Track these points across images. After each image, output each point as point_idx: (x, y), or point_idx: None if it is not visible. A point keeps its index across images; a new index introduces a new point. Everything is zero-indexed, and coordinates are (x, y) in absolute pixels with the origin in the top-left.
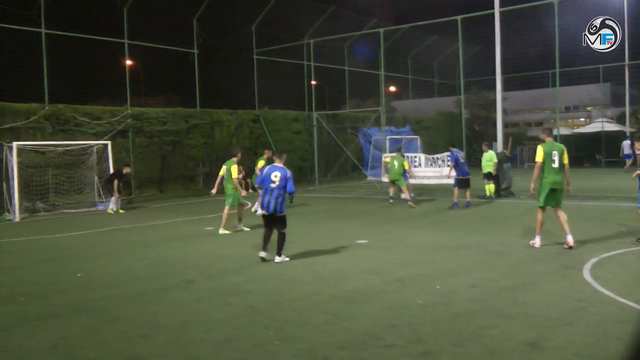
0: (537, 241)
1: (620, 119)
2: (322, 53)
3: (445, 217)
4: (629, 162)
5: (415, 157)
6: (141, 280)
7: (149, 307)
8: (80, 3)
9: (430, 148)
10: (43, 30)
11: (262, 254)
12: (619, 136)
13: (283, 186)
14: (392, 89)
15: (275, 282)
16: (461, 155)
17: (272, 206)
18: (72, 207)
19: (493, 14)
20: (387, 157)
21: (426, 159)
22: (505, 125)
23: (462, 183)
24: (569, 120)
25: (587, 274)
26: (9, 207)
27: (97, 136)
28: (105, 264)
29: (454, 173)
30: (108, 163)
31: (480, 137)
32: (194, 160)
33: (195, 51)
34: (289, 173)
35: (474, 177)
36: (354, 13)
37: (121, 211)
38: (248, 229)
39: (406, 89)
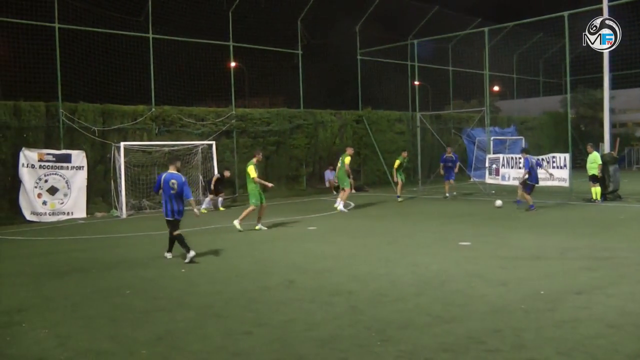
0: None
1: None
2: (426, 53)
3: (549, 220)
4: None
5: (520, 158)
6: (244, 278)
7: (252, 305)
8: (186, 8)
9: (536, 149)
10: (150, 35)
11: (168, 255)
12: None
13: (181, 192)
14: (496, 88)
15: (377, 283)
16: (533, 161)
17: (175, 211)
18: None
19: (601, 9)
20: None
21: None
22: (613, 125)
23: (532, 188)
24: None
25: None
26: (117, 204)
27: (202, 137)
28: (209, 261)
29: (524, 176)
30: (213, 163)
31: (587, 137)
32: (298, 160)
33: (300, 52)
34: (183, 178)
35: (581, 179)
36: (457, 12)
37: (222, 209)
38: (266, 228)
39: (511, 88)
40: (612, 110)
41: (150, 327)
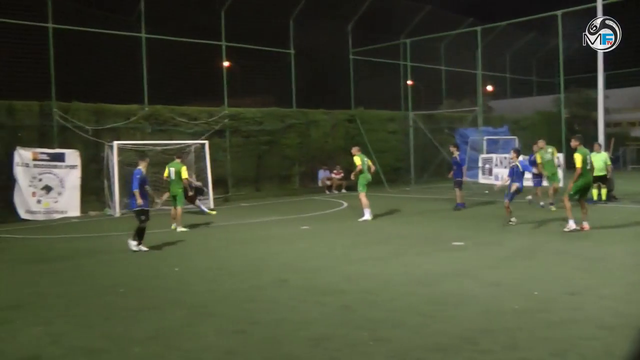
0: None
1: None
2: (418, 53)
3: (544, 220)
4: None
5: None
6: (236, 277)
7: (244, 304)
8: (179, 7)
9: (528, 149)
10: (143, 35)
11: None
12: None
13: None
14: (489, 88)
15: (369, 282)
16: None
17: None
18: (170, 204)
19: (595, 7)
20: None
21: (524, 160)
22: (607, 124)
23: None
24: None
25: None
26: (110, 203)
27: (195, 136)
28: (202, 260)
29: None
30: (205, 162)
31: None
32: (290, 159)
33: (292, 51)
34: (134, 172)
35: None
36: (450, 12)
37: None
38: (187, 229)
39: (504, 88)
40: (606, 110)
41: (143, 325)
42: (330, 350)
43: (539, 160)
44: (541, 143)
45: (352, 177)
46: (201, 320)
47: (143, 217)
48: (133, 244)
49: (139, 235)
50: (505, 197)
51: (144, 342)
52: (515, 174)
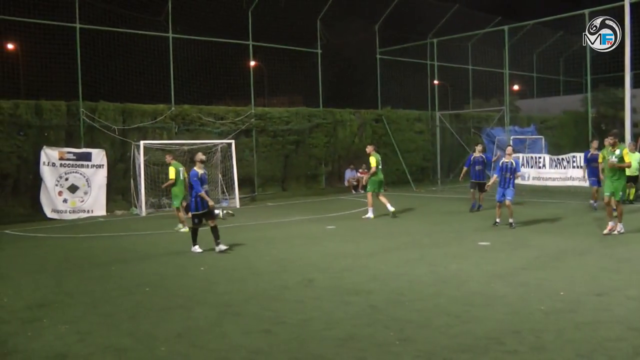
0: None
1: None
2: (445, 52)
3: (570, 221)
4: None
5: (540, 157)
6: (263, 277)
7: (271, 303)
8: (206, 7)
9: (555, 148)
10: (170, 35)
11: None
12: None
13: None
14: (516, 87)
15: (396, 282)
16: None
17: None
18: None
19: (623, 6)
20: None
21: (550, 159)
22: (634, 124)
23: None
24: None
25: None
26: (136, 202)
27: (222, 135)
28: (228, 260)
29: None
30: (232, 161)
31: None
32: (317, 159)
33: (319, 51)
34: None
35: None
36: (477, 11)
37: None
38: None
39: (530, 87)
40: (633, 110)
41: (170, 325)
42: (357, 350)
43: (600, 159)
44: (609, 140)
45: (365, 180)
46: (227, 320)
47: (198, 220)
48: (221, 247)
49: (216, 235)
50: (508, 196)
51: (170, 341)
52: (505, 170)
